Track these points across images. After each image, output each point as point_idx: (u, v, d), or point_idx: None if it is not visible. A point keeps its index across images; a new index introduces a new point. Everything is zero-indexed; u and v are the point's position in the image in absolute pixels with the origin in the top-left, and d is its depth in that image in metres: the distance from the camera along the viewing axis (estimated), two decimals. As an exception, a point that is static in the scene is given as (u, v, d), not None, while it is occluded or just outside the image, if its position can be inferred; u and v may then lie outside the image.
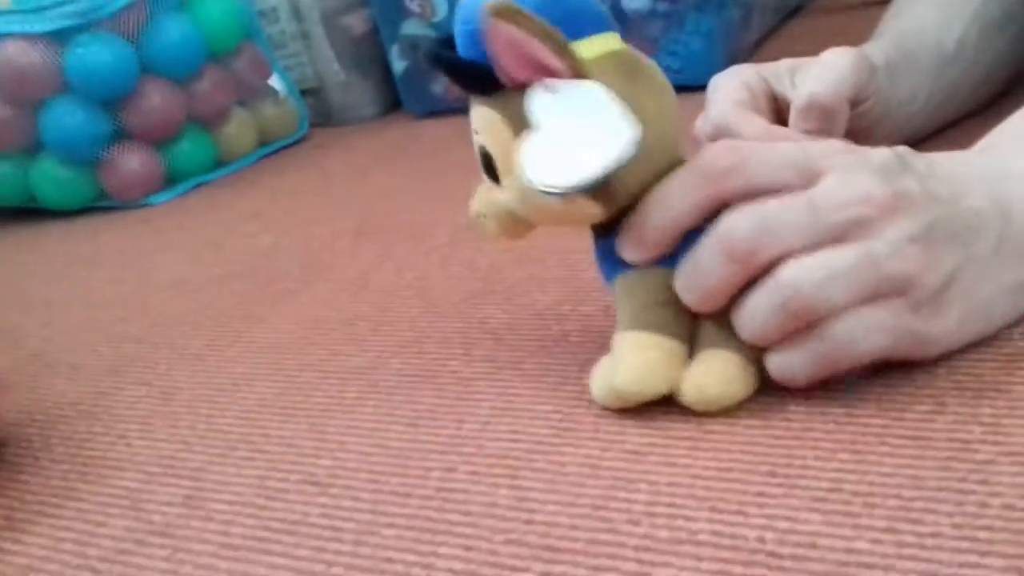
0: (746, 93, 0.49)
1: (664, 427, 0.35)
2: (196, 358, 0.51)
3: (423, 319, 0.50)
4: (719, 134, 0.48)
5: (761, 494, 0.31)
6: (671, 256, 0.35)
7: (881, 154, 0.35)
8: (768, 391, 0.36)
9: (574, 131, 0.33)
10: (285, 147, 1.09)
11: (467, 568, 0.30)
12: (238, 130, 1.02)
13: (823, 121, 0.47)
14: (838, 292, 0.32)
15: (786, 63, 0.51)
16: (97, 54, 0.89)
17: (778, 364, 0.34)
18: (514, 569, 0.29)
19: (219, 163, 1.01)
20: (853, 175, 0.33)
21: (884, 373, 0.36)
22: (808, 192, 0.33)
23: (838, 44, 0.50)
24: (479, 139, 0.36)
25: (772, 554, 0.28)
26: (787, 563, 0.27)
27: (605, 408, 0.37)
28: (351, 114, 1.15)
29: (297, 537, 0.33)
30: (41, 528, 0.37)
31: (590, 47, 0.34)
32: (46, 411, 0.48)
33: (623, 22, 0.97)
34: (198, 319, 0.57)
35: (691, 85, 0.96)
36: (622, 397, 0.36)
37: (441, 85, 1.06)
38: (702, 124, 0.51)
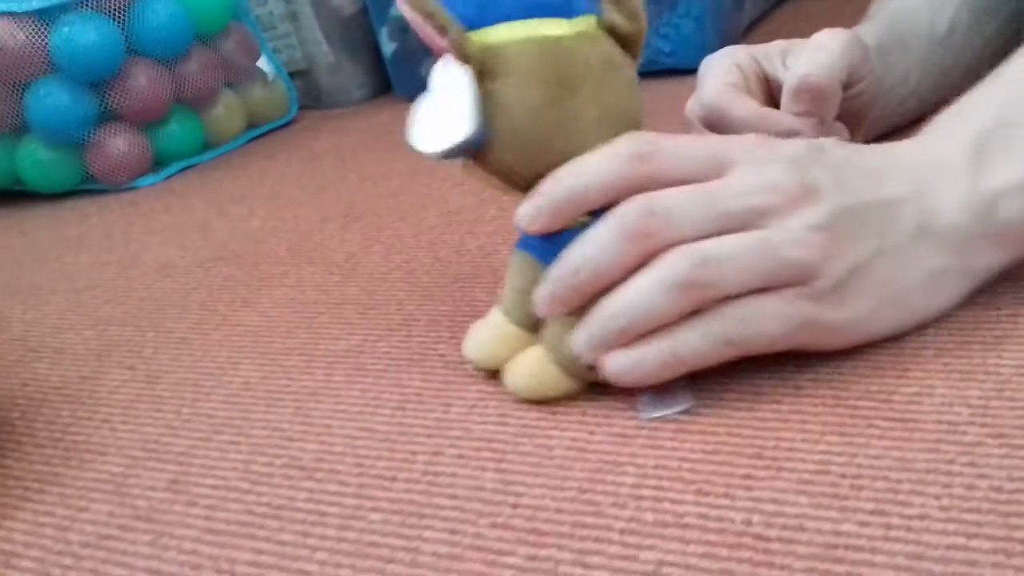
0: (738, 74, 0.49)
1: (652, 410, 0.35)
2: (181, 341, 0.50)
3: (411, 302, 0.49)
4: (710, 115, 0.48)
5: (748, 477, 0.30)
6: (547, 250, 0.36)
7: (795, 146, 0.35)
8: (755, 373, 0.36)
9: (439, 107, 0.36)
10: (274, 130, 1.08)
11: (452, 552, 0.30)
12: (226, 112, 1.01)
13: (815, 103, 0.47)
14: (730, 274, 0.32)
15: (778, 44, 0.51)
16: (83, 34, 0.88)
17: (679, 342, 0.33)
18: (500, 552, 0.29)
19: (207, 146, 1.00)
20: (762, 167, 0.34)
21: (871, 355, 0.36)
22: (709, 184, 0.33)
23: (830, 26, 0.50)
24: None
25: (759, 537, 0.28)
26: (774, 546, 0.27)
27: (593, 392, 0.36)
28: (340, 96, 1.14)
29: (282, 522, 0.33)
30: (23, 514, 0.37)
31: (510, 31, 0.36)
32: (29, 395, 0.47)
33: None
34: (184, 302, 0.57)
35: (683, 68, 0.96)
36: (470, 358, 0.40)
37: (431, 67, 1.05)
38: (693, 105, 0.50)
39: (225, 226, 0.72)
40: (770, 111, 0.47)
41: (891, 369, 0.35)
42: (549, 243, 0.36)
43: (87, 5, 0.90)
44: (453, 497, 0.32)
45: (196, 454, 0.39)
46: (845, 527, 0.27)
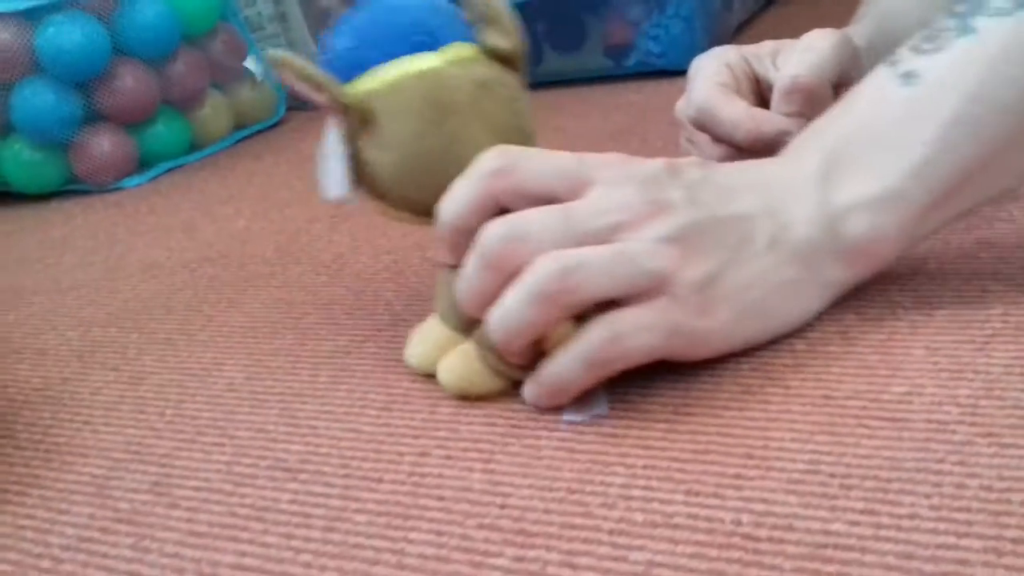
0: (728, 75, 0.49)
1: (641, 409, 0.35)
2: (166, 343, 0.50)
3: (398, 303, 0.49)
4: (701, 116, 0.48)
5: (738, 476, 0.30)
6: None
7: (653, 166, 0.36)
8: (745, 373, 0.36)
9: (324, 160, 0.39)
10: (262, 131, 1.07)
11: (439, 553, 0.29)
12: (213, 113, 1.01)
13: (805, 104, 0.47)
14: (592, 279, 0.33)
15: (769, 45, 0.51)
16: (69, 34, 0.88)
17: (549, 373, 0.35)
18: (487, 554, 0.29)
19: (194, 147, 1.00)
20: (617, 186, 0.35)
21: (860, 354, 0.36)
22: (566, 206, 0.34)
23: (820, 27, 0.49)
24: None
25: (748, 536, 0.27)
26: (763, 546, 0.27)
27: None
28: (328, 98, 1.13)
29: (266, 524, 0.32)
30: (3, 516, 0.36)
31: (383, 73, 0.38)
32: (10, 397, 0.47)
33: (604, 5, 0.96)
34: (169, 303, 0.56)
35: (672, 69, 0.96)
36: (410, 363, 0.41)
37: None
38: (684, 107, 0.50)
39: (211, 227, 0.72)
40: (759, 111, 0.47)
41: (881, 368, 0.35)
42: None
43: (73, 5, 0.89)
44: (440, 498, 0.32)
45: (179, 456, 0.38)
46: (835, 527, 0.27)
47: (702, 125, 0.48)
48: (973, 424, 0.30)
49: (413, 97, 0.38)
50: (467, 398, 0.38)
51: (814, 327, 0.38)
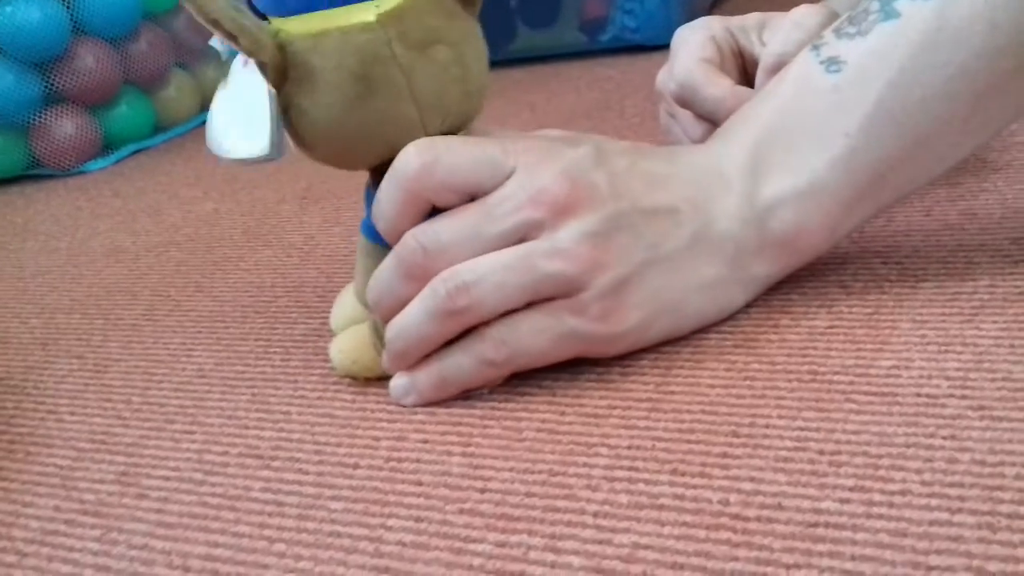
0: (713, 49, 0.48)
1: (623, 388, 0.34)
2: (132, 329, 0.48)
3: (371, 283, 0.48)
4: (683, 93, 0.47)
5: (724, 455, 0.29)
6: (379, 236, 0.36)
7: (579, 149, 0.35)
8: (728, 349, 0.35)
9: (241, 110, 0.35)
10: (229, 112, 1.05)
11: (418, 540, 0.28)
12: (178, 93, 0.99)
13: None
14: (488, 295, 0.33)
15: (755, 18, 0.50)
16: (27, 13, 0.85)
17: (445, 365, 0.34)
18: (467, 540, 0.28)
19: (158, 128, 0.98)
20: (537, 173, 0.34)
21: (846, 328, 0.35)
22: (484, 201, 0.34)
23: (796, 2, 0.48)
24: None
25: (737, 516, 0.27)
26: (752, 525, 0.26)
27: (559, 370, 0.35)
28: (297, 77, 1.11)
29: (237, 513, 0.31)
30: (-37, 510, 0.35)
31: (311, 21, 0.34)
32: (-29, 387, 0.45)
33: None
34: (134, 288, 0.54)
35: (648, 44, 0.95)
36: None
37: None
38: (665, 79, 0.49)
39: (177, 210, 0.70)
40: (743, 90, 0.46)
41: (868, 342, 0.34)
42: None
43: (30, -17, 0.86)
44: (418, 483, 0.31)
45: (147, 445, 0.37)
46: (825, 504, 0.26)
47: (684, 101, 0.47)
48: (963, 397, 0.30)
49: (341, 65, 0.34)
50: (356, 379, 0.38)
51: (798, 301, 0.38)
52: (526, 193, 0.33)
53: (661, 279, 0.35)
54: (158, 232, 0.65)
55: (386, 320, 0.35)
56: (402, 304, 0.34)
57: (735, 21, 0.49)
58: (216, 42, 0.44)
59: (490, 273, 0.33)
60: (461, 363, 0.34)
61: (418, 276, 0.34)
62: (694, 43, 0.48)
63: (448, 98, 0.35)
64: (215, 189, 0.74)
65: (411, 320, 0.34)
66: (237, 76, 0.35)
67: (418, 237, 0.34)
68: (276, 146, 0.34)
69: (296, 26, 0.34)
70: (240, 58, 0.35)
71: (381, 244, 0.36)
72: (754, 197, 0.36)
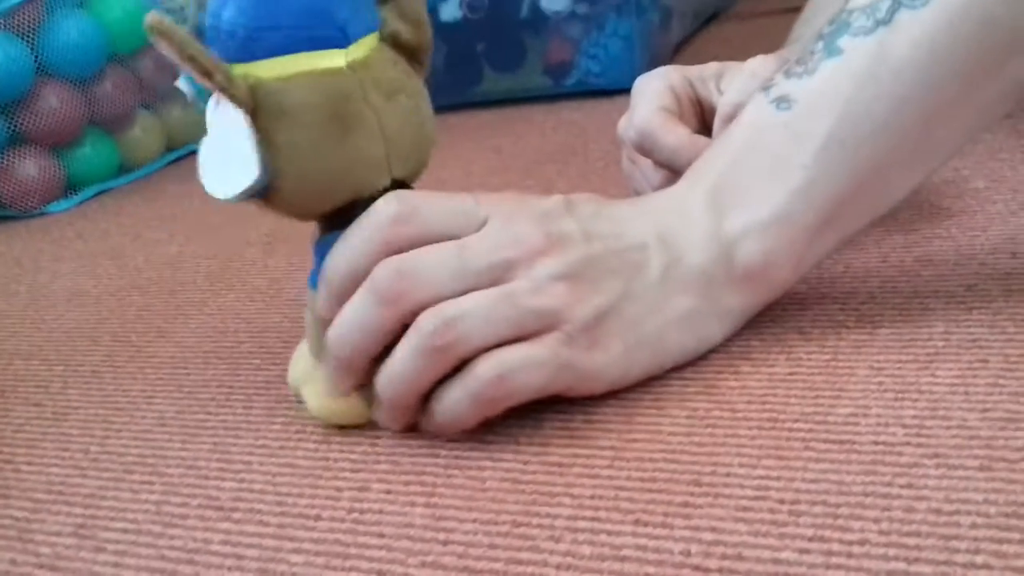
0: (671, 98, 0.49)
1: (587, 436, 0.34)
2: (92, 375, 0.48)
3: (336, 329, 0.47)
4: (642, 141, 0.48)
5: (686, 504, 0.30)
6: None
7: (548, 200, 0.36)
8: (691, 396, 0.35)
9: (222, 149, 0.35)
10: (193, 152, 1.05)
11: (380, 595, 0.28)
12: (143, 134, 0.98)
13: None
14: (475, 330, 0.33)
15: (713, 67, 0.51)
16: (-11, 54, 0.84)
17: (442, 406, 0.34)
18: (430, 594, 0.28)
19: (123, 169, 0.97)
20: (512, 221, 0.35)
21: (805, 375, 0.35)
22: (461, 240, 0.34)
23: (755, 48, 0.50)
24: None
25: (698, 567, 0.27)
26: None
27: (523, 419, 0.35)
28: (264, 118, 1.11)
29: (196, 567, 0.31)
30: (-87, 566, 0.34)
31: (281, 66, 0.34)
32: (-76, 436, 0.44)
33: (544, 24, 0.96)
34: (95, 334, 0.54)
35: (612, 88, 0.96)
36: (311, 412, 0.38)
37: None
38: (626, 127, 0.50)
39: (141, 253, 0.69)
40: (700, 138, 0.47)
41: (826, 389, 0.34)
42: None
43: (-6, 24, 0.86)
44: (380, 536, 0.31)
45: (105, 496, 0.36)
46: (785, 555, 0.27)
47: (644, 150, 0.48)
48: (919, 445, 0.30)
49: (315, 106, 0.34)
50: (336, 426, 0.37)
51: (758, 347, 0.38)
52: (503, 236, 0.34)
53: (636, 312, 0.35)
54: (120, 275, 0.64)
55: (351, 353, 0.34)
56: (373, 334, 0.34)
57: (693, 71, 0.50)
58: (183, 83, 0.44)
59: (476, 308, 0.33)
60: (459, 401, 0.33)
61: (391, 303, 0.33)
62: (652, 92, 0.49)
63: (410, 143, 0.37)
64: (179, 231, 0.73)
65: (398, 362, 0.34)
66: (213, 117, 0.35)
67: (392, 263, 0.34)
68: (262, 176, 0.34)
69: (264, 70, 0.34)
70: (212, 99, 0.35)
71: (312, 280, 0.36)
72: (719, 231, 0.37)
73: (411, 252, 0.34)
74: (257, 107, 0.34)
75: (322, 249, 0.37)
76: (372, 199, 0.36)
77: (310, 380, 0.37)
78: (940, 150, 0.37)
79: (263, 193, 0.35)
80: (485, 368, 0.33)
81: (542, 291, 0.34)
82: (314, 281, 0.37)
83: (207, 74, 0.33)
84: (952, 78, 0.35)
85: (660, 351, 0.36)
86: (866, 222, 0.38)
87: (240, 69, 0.34)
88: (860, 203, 0.37)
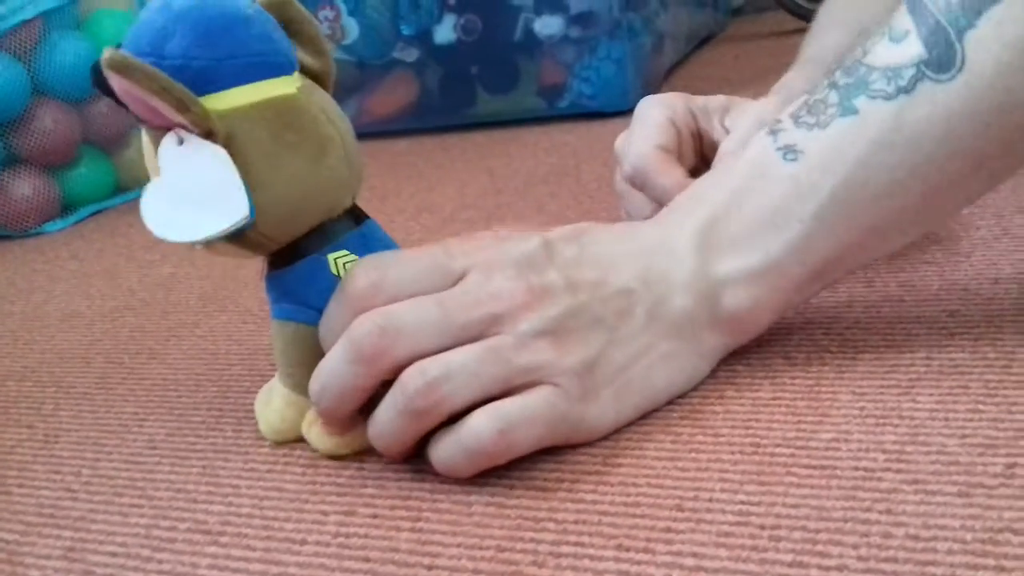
0: (671, 133, 0.48)
1: (572, 461, 0.34)
2: (84, 397, 0.48)
3: (326, 351, 0.48)
4: (636, 176, 0.47)
5: (668, 530, 0.30)
6: (308, 315, 0.37)
7: (527, 245, 0.35)
8: (675, 421, 0.36)
9: (193, 189, 0.34)
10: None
11: (364, 619, 0.28)
12: (139, 154, 0.98)
13: None
14: (462, 388, 0.33)
15: (719, 101, 0.50)
16: (-15, 75, 0.85)
17: (437, 458, 0.34)
18: (414, 619, 0.28)
19: (119, 189, 0.98)
20: (491, 273, 0.34)
21: (788, 400, 0.36)
22: (441, 295, 0.34)
23: (748, 71, 0.50)
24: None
25: (679, 594, 0.27)
26: (694, 603, 0.27)
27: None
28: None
29: (183, 591, 0.31)
30: (-98, 589, 0.34)
31: (242, 95, 0.34)
32: (-84, 458, 0.44)
33: (537, 47, 0.97)
34: (87, 355, 0.54)
35: (605, 111, 0.97)
36: (269, 439, 0.39)
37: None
38: (623, 148, 0.49)
39: (134, 274, 0.70)
40: (692, 182, 0.46)
41: (809, 414, 0.35)
42: (308, 303, 0.36)
43: (-9, 45, 0.87)
44: (366, 560, 0.31)
45: (95, 519, 0.36)
46: (765, 580, 0.27)
47: (637, 185, 0.48)
48: (899, 471, 0.31)
49: (288, 131, 0.34)
50: (340, 457, 0.37)
51: (743, 372, 0.38)
52: (484, 291, 0.34)
53: (623, 357, 0.35)
54: (114, 296, 0.65)
55: (333, 408, 0.35)
56: (353, 392, 0.34)
57: (699, 101, 0.50)
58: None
59: (461, 366, 0.33)
60: (454, 456, 0.33)
61: (372, 361, 0.33)
62: (653, 124, 0.48)
63: (360, 161, 0.38)
64: (173, 252, 0.74)
65: (383, 423, 0.34)
66: (173, 159, 0.34)
67: (372, 319, 0.33)
68: (251, 207, 0.33)
69: (223, 102, 0.34)
70: (170, 139, 0.34)
71: (311, 322, 0.36)
72: (707, 273, 0.37)
73: (391, 307, 0.34)
74: (228, 140, 0.33)
75: (280, 283, 0.37)
76: (337, 220, 0.37)
77: (313, 422, 0.37)
78: (942, 214, 0.37)
79: (243, 228, 0.34)
80: (483, 423, 0.32)
81: (527, 346, 0.33)
82: (280, 314, 0.37)
83: (183, 108, 0.32)
84: (965, 155, 0.35)
85: (649, 393, 0.36)
86: (856, 269, 0.38)
87: (204, 102, 0.33)
88: (854, 258, 0.37)
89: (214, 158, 0.33)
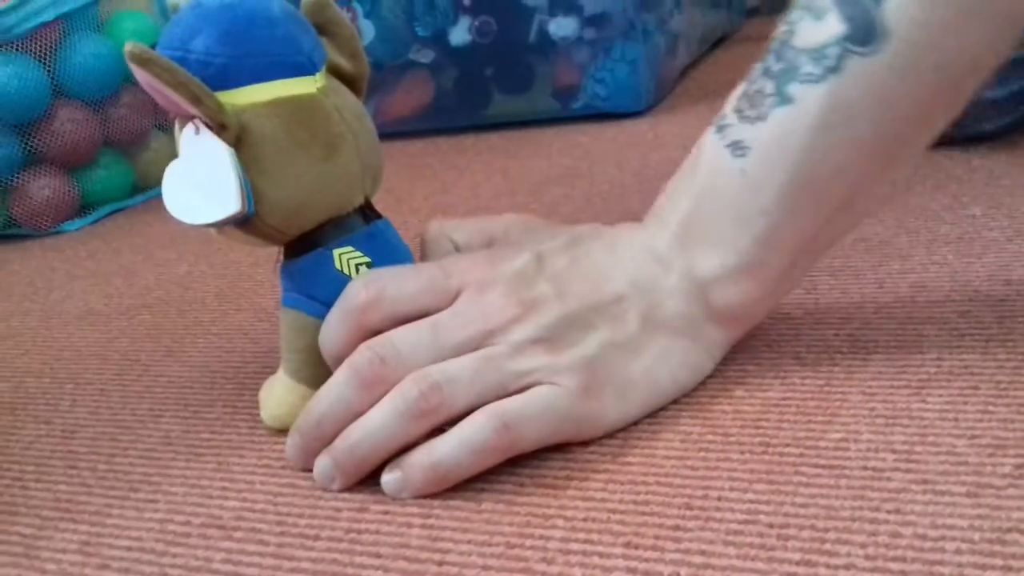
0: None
1: (582, 459, 0.35)
2: (101, 393, 0.49)
3: (340, 350, 0.48)
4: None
5: (677, 528, 0.30)
6: (312, 307, 0.38)
7: (519, 261, 0.36)
8: (685, 421, 0.36)
9: (200, 176, 0.36)
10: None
11: (375, 614, 0.29)
12: (157, 155, 0.99)
13: None
14: (460, 393, 0.33)
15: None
16: (7, 76, 0.86)
17: (436, 462, 0.34)
18: (424, 614, 0.28)
19: (137, 189, 0.98)
20: (484, 291, 0.35)
21: (798, 400, 0.36)
22: (435, 317, 0.35)
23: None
24: None
25: (687, 591, 0.27)
26: (702, 600, 0.27)
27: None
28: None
29: (197, 585, 0.31)
30: (-78, 581, 0.35)
31: (260, 92, 0.36)
32: (-64, 453, 0.45)
33: (552, 49, 0.97)
34: (105, 352, 0.55)
35: (619, 113, 0.97)
36: (268, 425, 0.41)
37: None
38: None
39: (151, 272, 0.70)
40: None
41: (818, 414, 0.35)
42: (312, 294, 0.38)
43: (12, 46, 0.88)
44: (377, 556, 0.31)
45: (111, 513, 0.37)
46: (773, 578, 0.27)
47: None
48: (908, 471, 0.31)
49: (301, 129, 0.36)
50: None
51: (753, 372, 0.39)
52: (476, 310, 0.35)
53: (622, 357, 0.36)
54: (131, 294, 0.66)
55: (336, 431, 0.35)
56: (355, 415, 0.35)
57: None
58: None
59: (461, 371, 0.34)
60: (457, 455, 0.33)
61: (374, 385, 0.34)
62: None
63: (377, 160, 0.39)
64: (189, 251, 0.74)
65: (377, 422, 0.34)
66: (190, 146, 0.36)
67: (374, 347, 0.35)
68: (247, 203, 0.35)
69: (241, 98, 0.35)
70: (190, 127, 0.36)
71: (315, 314, 0.37)
72: (692, 275, 0.37)
73: (388, 335, 0.35)
74: (242, 134, 0.35)
75: (289, 272, 0.39)
76: (347, 217, 0.38)
77: None
78: (907, 163, 0.36)
79: (244, 220, 0.36)
80: (484, 419, 0.33)
81: (522, 353, 0.34)
82: (287, 301, 0.39)
83: (197, 101, 0.34)
84: (905, 121, 0.35)
85: (654, 389, 0.36)
86: (839, 239, 0.38)
87: (221, 97, 0.35)
88: (828, 236, 0.37)
89: (219, 153, 0.35)
